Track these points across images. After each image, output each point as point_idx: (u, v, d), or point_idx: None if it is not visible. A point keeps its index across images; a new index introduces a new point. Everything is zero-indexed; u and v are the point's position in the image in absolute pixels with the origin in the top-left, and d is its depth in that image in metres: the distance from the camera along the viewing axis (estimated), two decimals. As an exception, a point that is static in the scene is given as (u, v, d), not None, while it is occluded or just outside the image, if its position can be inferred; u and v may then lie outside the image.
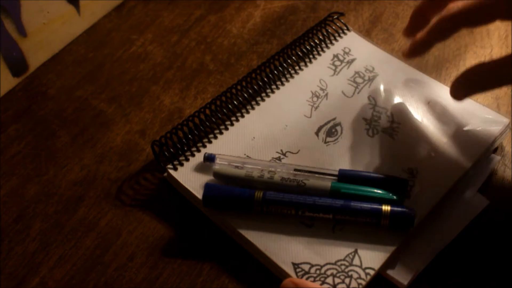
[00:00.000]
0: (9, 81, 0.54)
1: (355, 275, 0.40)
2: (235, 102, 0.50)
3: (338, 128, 0.49)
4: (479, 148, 0.46)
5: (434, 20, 0.41)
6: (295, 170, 0.45)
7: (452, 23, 0.40)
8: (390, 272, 0.41)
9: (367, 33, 0.58)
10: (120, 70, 0.56)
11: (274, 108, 0.50)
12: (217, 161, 0.45)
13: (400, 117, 0.49)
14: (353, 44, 0.55)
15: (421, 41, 0.42)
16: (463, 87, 0.41)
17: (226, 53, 0.57)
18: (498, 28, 0.58)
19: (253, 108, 0.50)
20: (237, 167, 0.45)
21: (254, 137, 0.48)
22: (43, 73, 0.56)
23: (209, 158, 0.46)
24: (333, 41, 0.55)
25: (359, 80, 0.52)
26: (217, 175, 0.45)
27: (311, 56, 0.54)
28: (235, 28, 0.59)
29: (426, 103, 0.50)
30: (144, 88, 0.54)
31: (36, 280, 0.43)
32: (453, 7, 0.39)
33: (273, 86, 0.52)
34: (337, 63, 0.53)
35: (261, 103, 0.50)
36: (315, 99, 0.51)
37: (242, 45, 0.58)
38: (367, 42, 0.55)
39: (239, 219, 0.43)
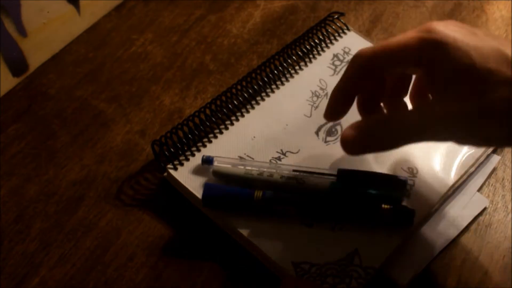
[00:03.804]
0: (9, 81, 0.54)
1: (355, 275, 0.40)
2: (235, 102, 0.50)
3: (338, 127, 0.49)
4: (479, 148, 0.46)
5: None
6: (294, 171, 0.45)
7: (359, 75, 0.38)
8: (390, 272, 0.41)
9: (367, 33, 0.58)
10: (120, 70, 0.56)
11: (274, 108, 0.50)
12: (215, 163, 0.45)
13: (400, 116, 0.49)
14: (353, 44, 0.55)
15: (336, 108, 0.40)
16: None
17: (226, 53, 0.57)
18: (498, 28, 0.58)
19: (253, 108, 0.50)
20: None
21: (254, 137, 0.48)
22: (43, 73, 0.56)
23: (207, 161, 0.45)
24: (333, 41, 0.55)
25: (359, 79, 0.52)
26: (217, 174, 0.45)
27: (311, 56, 0.54)
28: (235, 28, 0.59)
29: (426, 103, 0.50)
30: (144, 88, 0.54)
31: (36, 280, 0.43)
32: (359, 56, 0.37)
33: (273, 86, 0.52)
34: (337, 62, 0.53)
35: (261, 102, 0.50)
36: (315, 98, 0.51)
37: (242, 45, 0.58)
38: (367, 42, 0.55)
39: (239, 218, 0.43)
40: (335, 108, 0.40)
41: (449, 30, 0.34)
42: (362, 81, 0.38)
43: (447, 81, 0.33)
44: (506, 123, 0.32)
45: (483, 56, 0.32)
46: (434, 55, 0.34)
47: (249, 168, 0.45)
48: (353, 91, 0.39)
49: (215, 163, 0.45)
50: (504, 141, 0.34)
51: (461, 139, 0.35)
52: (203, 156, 0.46)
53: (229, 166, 0.45)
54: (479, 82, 0.32)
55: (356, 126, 0.37)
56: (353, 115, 0.49)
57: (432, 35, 0.34)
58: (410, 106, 0.42)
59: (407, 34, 0.35)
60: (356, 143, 0.37)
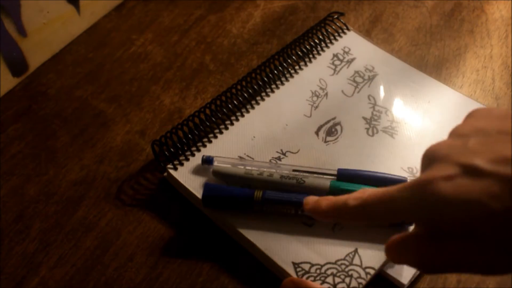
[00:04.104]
0: (9, 81, 0.54)
1: (355, 275, 0.40)
2: (235, 102, 0.50)
3: (338, 127, 0.49)
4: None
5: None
6: (294, 170, 0.45)
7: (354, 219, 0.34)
8: (390, 272, 0.41)
9: (367, 33, 0.58)
10: (120, 70, 0.56)
11: (274, 108, 0.50)
12: (215, 163, 0.45)
13: (400, 116, 0.49)
14: (353, 43, 0.55)
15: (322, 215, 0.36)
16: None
17: (226, 53, 0.57)
18: (498, 28, 0.58)
19: (253, 108, 0.50)
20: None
21: (254, 137, 0.48)
22: (43, 73, 0.56)
23: (207, 161, 0.45)
24: (333, 41, 0.55)
25: (359, 79, 0.52)
26: (217, 174, 0.45)
27: (311, 55, 0.54)
28: (235, 28, 0.59)
29: (426, 102, 0.50)
30: (144, 88, 0.54)
31: (36, 280, 0.43)
32: (360, 203, 0.33)
33: (273, 86, 0.52)
34: (337, 62, 0.53)
35: (261, 102, 0.50)
36: (315, 98, 0.51)
37: (242, 45, 0.58)
38: (367, 41, 0.55)
39: (239, 218, 0.43)
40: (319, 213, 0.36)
41: (444, 183, 0.29)
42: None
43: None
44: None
45: (495, 197, 0.27)
46: (437, 213, 0.29)
47: (249, 168, 0.45)
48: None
49: (215, 163, 0.45)
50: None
51: None
52: (203, 156, 0.46)
53: (229, 166, 0.45)
54: (499, 225, 0.28)
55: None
56: (353, 114, 0.50)
57: (426, 193, 0.29)
58: None
59: (401, 190, 0.31)
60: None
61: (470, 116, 0.33)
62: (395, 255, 0.33)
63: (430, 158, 0.31)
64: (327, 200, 0.35)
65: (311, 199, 0.36)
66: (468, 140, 0.30)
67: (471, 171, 0.28)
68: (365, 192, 0.33)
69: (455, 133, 0.32)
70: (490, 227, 0.28)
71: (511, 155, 0.28)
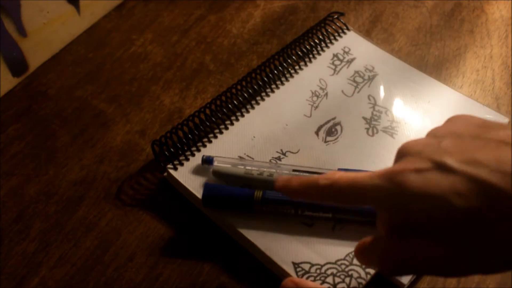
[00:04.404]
0: (9, 81, 0.54)
1: (355, 275, 0.40)
2: (235, 102, 0.50)
3: (338, 127, 0.49)
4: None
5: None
6: (294, 170, 0.45)
7: (326, 200, 0.34)
8: (390, 272, 0.41)
9: (367, 33, 0.58)
10: (120, 70, 0.56)
11: (274, 108, 0.50)
12: (215, 163, 0.45)
13: (400, 116, 0.49)
14: (353, 43, 0.55)
15: (294, 191, 0.36)
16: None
17: (226, 53, 0.57)
18: (498, 28, 0.58)
19: (253, 108, 0.50)
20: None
21: (254, 137, 0.48)
22: (43, 73, 0.56)
23: (207, 161, 0.45)
24: (333, 41, 0.55)
25: (359, 79, 0.52)
26: (217, 173, 0.45)
27: (311, 55, 0.54)
28: (235, 28, 0.59)
29: (426, 102, 0.50)
30: (144, 88, 0.54)
31: (36, 280, 0.43)
32: (334, 186, 0.33)
33: (273, 86, 0.52)
34: (337, 62, 0.53)
35: (261, 102, 0.50)
36: (315, 98, 0.51)
37: (242, 45, 0.58)
38: (367, 41, 0.55)
39: (239, 218, 0.43)
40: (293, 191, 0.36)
41: (414, 176, 0.30)
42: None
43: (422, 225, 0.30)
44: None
45: (462, 195, 0.28)
46: (406, 206, 0.30)
47: (249, 168, 0.45)
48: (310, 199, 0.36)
49: (215, 163, 0.45)
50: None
51: None
52: (203, 156, 0.46)
53: (229, 166, 0.45)
54: (465, 223, 0.28)
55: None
56: (353, 114, 0.49)
57: (397, 188, 0.30)
58: None
59: (371, 177, 0.32)
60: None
61: (449, 120, 0.34)
62: (362, 257, 0.34)
63: (404, 152, 0.32)
64: (298, 179, 0.35)
65: (282, 178, 0.36)
66: (443, 140, 0.31)
67: (441, 167, 0.29)
68: (336, 174, 0.33)
69: (431, 134, 0.33)
70: (452, 224, 0.28)
71: (481, 159, 0.28)
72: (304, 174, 0.44)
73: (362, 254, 0.34)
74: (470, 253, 0.29)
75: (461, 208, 0.28)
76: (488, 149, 0.29)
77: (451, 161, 0.29)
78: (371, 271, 0.40)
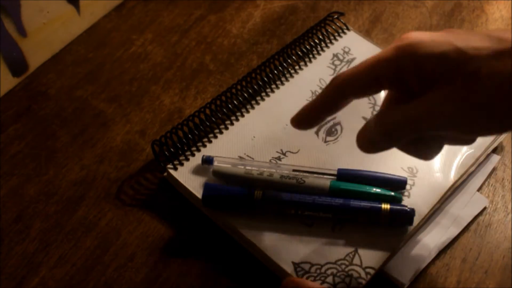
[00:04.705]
0: (9, 81, 0.54)
1: (355, 275, 0.40)
2: (235, 102, 0.50)
3: (338, 127, 0.49)
4: (479, 147, 0.46)
5: (321, 93, 0.39)
6: (294, 170, 0.45)
7: (338, 95, 0.37)
8: (390, 272, 0.41)
9: (367, 33, 0.58)
10: (120, 70, 0.56)
11: (274, 108, 0.50)
12: (215, 163, 0.45)
13: (400, 116, 0.49)
14: (352, 43, 0.55)
15: (310, 116, 0.39)
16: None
17: (226, 53, 0.57)
18: (498, 28, 0.58)
19: (253, 108, 0.50)
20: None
21: (254, 137, 0.48)
22: (43, 73, 0.56)
23: (207, 161, 0.46)
24: (333, 41, 0.55)
25: (359, 79, 0.52)
26: (217, 173, 0.45)
27: (311, 55, 0.54)
28: (235, 28, 0.59)
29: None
30: (144, 88, 0.54)
31: (36, 280, 0.43)
32: (338, 77, 0.37)
33: (273, 86, 0.52)
34: (337, 62, 0.53)
35: (261, 102, 0.50)
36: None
37: (242, 45, 0.58)
38: (366, 41, 0.55)
39: (239, 218, 0.43)
40: (308, 118, 0.40)
41: (422, 33, 0.35)
42: (339, 102, 0.38)
43: (429, 79, 0.34)
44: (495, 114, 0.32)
45: (470, 45, 0.33)
46: (412, 55, 0.34)
47: (249, 168, 0.45)
48: (328, 110, 0.39)
49: (215, 163, 0.45)
50: (493, 130, 0.35)
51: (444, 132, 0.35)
52: (203, 156, 0.46)
53: (229, 166, 0.45)
54: (467, 68, 0.32)
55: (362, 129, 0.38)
56: (353, 114, 0.49)
57: (406, 40, 0.34)
58: None
59: (385, 50, 0.36)
60: (362, 144, 0.38)
61: None
62: (362, 136, 0.37)
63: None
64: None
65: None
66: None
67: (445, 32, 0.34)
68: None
69: None
70: (461, 74, 0.32)
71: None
72: (305, 174, 0.44)
73: (362, 133, 0.37)
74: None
75: (471, 55, 0.32)
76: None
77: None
78: (371, 271, 0.40)
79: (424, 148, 0.38)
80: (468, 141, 0.39)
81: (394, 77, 0.35)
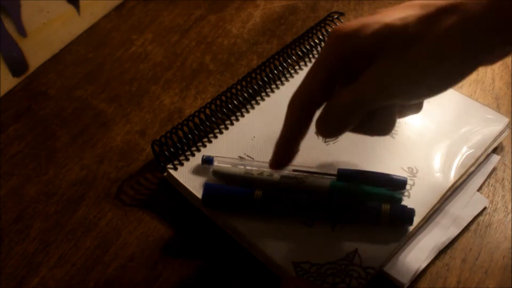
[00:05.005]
0: (9, 81, 0.54)
1: (355, 275, 0.40)
2: (235, 102, 0.50)
3: (338, 127, 0.48)
4: (479, 147, 0.46)
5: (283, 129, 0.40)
6: (294, 170, 0.45)
7: (304, 114, 0.38)
8: (390, 272, 0.41)
9: (367, 33, 0.58)
10: (120, 70, 0.56)
11: (274, 108, 0.50)
12: (215, 163, 0.45)
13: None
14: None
15: (287, 150, 0.40)
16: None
17: (226, 53, 0.57)
18: (498, 27, 0.58)
19: (253, 108, 0.50)
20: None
21: (254, 137, 0.48)
22: (43, 73, 0.56)
23: (207, 161, 0.46)
24: (333, 41, 0.55)
25: (359, 79, 0.52)
26: (217, 173, 0.45)
27: (311, 55, 0.54)
28: (235, 28, 0.59)
29: (426, 102, 0.50)
30: (144, 88, 0.54)
31: (36, 280, 0.43)
32: (293, 99, 0.39)
33: (273, 86, 0.52)
34: (337, 62, 0.53)
35: (261, 102, 0.50)
36: (315, 98, 0.51)
37: (242, 45, 0.58)
38: (367, 41, 0.55)
39: (239, 218, 0.43)
40: (287, 153, 0.40)
41: (349, 23, 0.37)
42: (307, 121, 0.39)
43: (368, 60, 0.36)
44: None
45: (400, 20, 0.35)
46: (351, 42, 0.36)
47: (249, 168, 0.45)
48: (301, 134, 0.39)
49: (215, 163, 0.45)
50: (434, 90, 0.36)
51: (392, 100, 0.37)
52: (203, 156, 0.46)
53: (229, 166, 0.45)
54: (398, 42, 0.34)
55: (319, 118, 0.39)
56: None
57: (337, 34, 0.36)
58: None
59: (319, 57, 0.38)
60: (321, 130, 0.39)
61: None
62: (321, 121, 0.37)
63: None
64: None
65: None
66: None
67: (375, 13, 0.36)
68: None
69: None
70: (393, 45, 0.34)
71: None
72: (305, 174, 0.44)
73: (319, 120, 0.37)
74: (404, 66, 0.34)
75: (395, 27, 0.34)
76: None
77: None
78: (371, 271, 0.40)
79: (378, 124, 0.39)
80: (416, 107, 0.42)
81: (339, 68, 0.37)
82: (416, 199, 0.43)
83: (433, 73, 0.34)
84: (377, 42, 0.35)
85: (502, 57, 0.36)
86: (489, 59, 0.35)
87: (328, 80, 0.37)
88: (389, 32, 0.35)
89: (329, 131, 0.38)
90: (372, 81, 0.35)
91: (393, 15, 0.35)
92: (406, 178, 0.44)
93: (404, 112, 0.41)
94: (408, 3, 0.36)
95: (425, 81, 0.35)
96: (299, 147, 0.39)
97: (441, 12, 0.34)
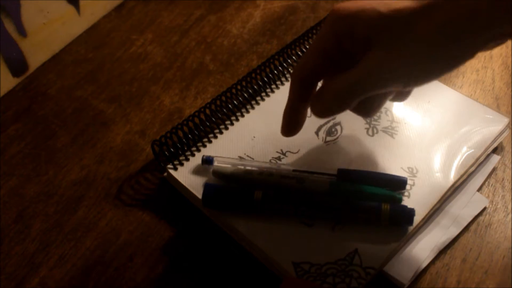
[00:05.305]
0: (9, 81, 0.54)
1: (355, 275, 0.40)
2: (235, 102, 0.50)
3: (338, 127, 0.49)
4: (479, 148, 0.46)
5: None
6: (294, 170, 0.45)
7: (304, 84, 0.41)
8: (390, 272, 0.41)
9: (367, 33, 0.58)
10: (120, 70, 0.56)
11: (274, 108, 0.50)
12: (215, 163, 0.45)
13: (400, 116, 0.49)
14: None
15: (294, 117, 0.43)
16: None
17: (226, 53, 0.57)
18: (498, 27, 0.58)
19: (253, 108, 0.50)
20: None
21: (254, 137, 0.48)
22: (43, 73, 0.56)
23: (207, 161, 0.45)
24: (333, 41, 0.55)
25: (359, 79, 0.52)
26: (217, 174, 0.45)
27: (311, 56, 0.54)
28: (235, 28, 0.59)
29: (426, 102, 0.50)
30: (144, 88, 0.54)
31: (36, 280, 0.43)
32: (295, 70, 0.41)
33: (273, 86, 0.52)
34: (337, 62, 0.53)
35: (261, 102, 0.50)
36: (315, 98, 0.51)
37: (242, 45, 0.58)
38: (367, 41, 0.55)
39: (239, 218, 0.43)
40: (293, 121, 0.43)
41: (348, 2, 0.38)
42: (309, 89, 0.41)
43: (365, 43, 0.37)
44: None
45: (388, 4, 0.36)
46: (348, 25, 0.37)
47: (249, 168, 0.45)
48: (303, 104, 0.42)
49: (215, 163, 0.45)
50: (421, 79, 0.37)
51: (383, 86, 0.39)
52: (203, 156, 0.46)
53: (229, 166, 0.45)
54: (390, 27, 0.36)
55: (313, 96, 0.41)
56: (353, 114, 0.49)
57: (336, 13, 0.38)
58: None
59: (319, 33, 0.40)
60: (315, 110, 0.41)
61: None
62: (315, 103, 0.40)
63: None
64: None
65: None
66: None
67: None
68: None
69: None
70: (387, 36, 0.35)
71: None
72: (305, 174, 0.44)
73: (315, 102, 0.40)
74: (397, 53, 0.35)
75: (385, 13, 0.35)
76: None
77: None
78: (371, 271, 0.40)
79: (365, 107, 0.41)
80: (406, 94, 0.43)
81: (336, 47, 0.38)
82: (416, 199, 0.43)
83: (428, 61, 0.35)
84: (372, 30, 0.36)
85: (498, 45, 0.36)
86: (485, 48, 0.36)
87: (324, 56, 0.39)
88: (384, 22, 0.36)
89: (322, 112, 0.40)
90: (369, 70, 0.36)
91: (389, 5, 0.36)
92: (406, 178, 0.44)
93: (393, 98, 0.43)
94: None
95: (420, 69, 0.36)
96: (304, 117, 0.43)
97: (433, 4, 0.34)
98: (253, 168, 0.45)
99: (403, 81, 0.37)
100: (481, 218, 0.45)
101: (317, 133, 0.48)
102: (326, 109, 0.40)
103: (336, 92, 0.38)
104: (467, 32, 0.34)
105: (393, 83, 0.37)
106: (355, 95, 0.38)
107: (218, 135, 0.48)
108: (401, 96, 0.43)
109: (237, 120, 0.49)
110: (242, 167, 0.45)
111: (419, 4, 0.35)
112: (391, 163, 0.46)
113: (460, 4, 0.33)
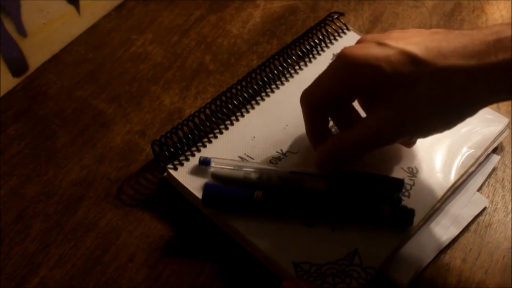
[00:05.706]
0: (9, 81, 0.54)
1: (355, 275, 0.40)
2: (235, 102, 0.50)
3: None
4: (479, 148, 0.46)
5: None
6: (291, 172, 0.45)
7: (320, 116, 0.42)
8: (390, 272, 0.41)
9: (367, 33, 0.58)
10: (120, 70, 0.56)
11: (274, 108, 0.50)
12: (213, 164, 0.45)
13: (400, 116, 0.49)
14: (353, 43, 0.55)
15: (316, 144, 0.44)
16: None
17: (226, 53, 0.57)
18: (498, 27, 0.58)
19: (253, 108, 0.50)
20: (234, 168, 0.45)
21: (254, 137, 0.48)
22: (43, 73, 0.56)
23: (204, 162, 0.45)
24: (333, 41, 0.55)
25: (359, 79, 0.52)
26: (215, 176, 0.45)
27: (311, 55, 0.54)
28: (235, 28, 0.59)
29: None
30: (144, 88, 0.54)
31: (36, 280, 0.43)
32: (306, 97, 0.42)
33: (273, 86, 0.52)
34: (337, 63, 0.53)
35: (261, 103, 0.50)
36: (315, 98, 0.51)
37: (242, 45, 0.58)
38: (367, 42, 0.55)
39: (239, 219, 0.43)
40: (318, 143, 0.44)
41: (358, 49, 0.38)
42: (321, 116, 0.43)
43: (370, 95, 0.39)
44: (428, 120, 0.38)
45: (392, 63, 0.36)
46: (352, 75, 0.38)
47: (248, 169, 0.45)
48: (321, 126, 0.43)
49: (213, 164, 0.45)
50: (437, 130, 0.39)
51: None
52: (200, 157, 0.46)
53: (227, 169, 0.45)
54: (394, 87, 0.37)
55: (321, 151, 0.42)
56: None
57: (343, 60, 0.38)
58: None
59: (327, 70, 0.40)
60: (327, 165, 0.43)
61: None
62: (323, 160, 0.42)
63: (358, 41, 0.41)
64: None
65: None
66: (391, 33, 0.39)
67: (381, 44, 0.38)
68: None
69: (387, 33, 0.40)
70: (385, 87, 0.37)
71: (414, 40, 0.37)
72: (304, 174, 0.44)
73: (319, 158, 0.42)
74: (400, 113, 0.37)
75: (389, 73, 0.36)
76: (422, 34, 0.38)
77: (389, 41, 0.37)
78: (371, 271, 0.40)
79: None
80: (413, 143, 0.45)
81: (341, 90, 0.40)
82: (416, 199, 0.43)
83: (436, 117, 0.37)
84: (376, 88, 0.37)
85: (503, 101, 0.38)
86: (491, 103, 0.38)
87: (330, 93, 0.40)
88: (388, 82, 0.37)
89: (332, 165, 0.42)
90: (377, 129, 0.38)
91: (392, 61, 0.36)
92: (403, 178, 0.44)
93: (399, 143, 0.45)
94: (419, 34, 0.38)
95: (428, 123, 0.38)
96: (326, 135, 0.43)
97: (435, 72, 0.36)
98: (252, 170, 0.45)
99: (410, 135, 0.39)
100: (481, 218, 0.45)
101: (317, 133, 0.48)
102: (335, 163, 0.42)
103: (347, 148, 0.40)
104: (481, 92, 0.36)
105: (400, 138, 0.39)
106: (365, 150, 0.40)
107: (218, 135, 0.48)
108: (407, 144, 0.45)
109: (237, 120, 0.49)
110: (241, 170, 0.45)
111: (422, 72, 0.36)
112: (391, 163, 0.46)
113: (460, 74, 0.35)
